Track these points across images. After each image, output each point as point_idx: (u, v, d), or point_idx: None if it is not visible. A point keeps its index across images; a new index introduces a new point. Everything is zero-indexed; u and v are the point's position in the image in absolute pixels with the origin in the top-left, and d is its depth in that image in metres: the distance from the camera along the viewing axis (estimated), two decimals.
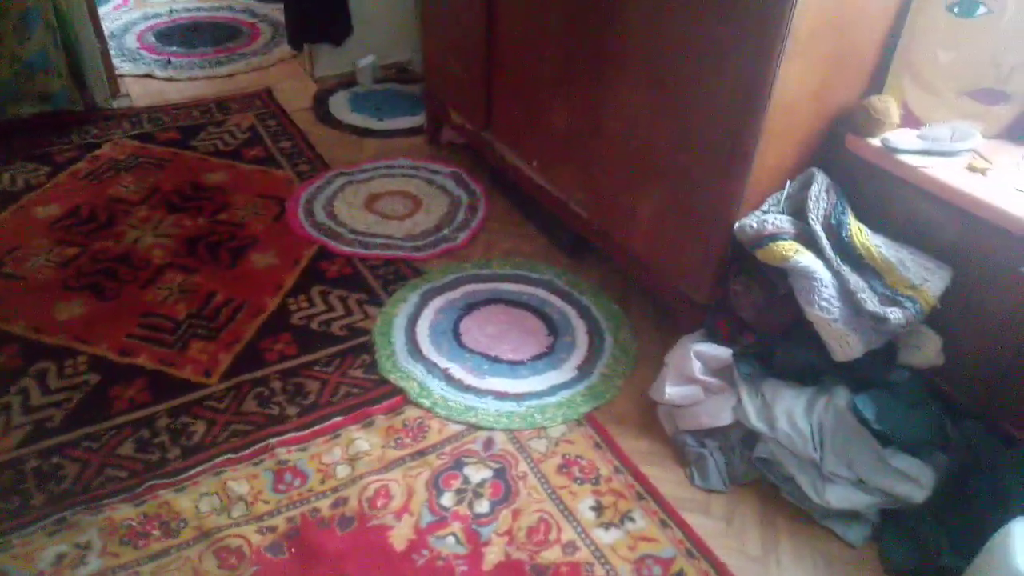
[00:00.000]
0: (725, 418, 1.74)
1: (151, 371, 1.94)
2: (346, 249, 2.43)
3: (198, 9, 4.18)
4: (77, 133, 2.98)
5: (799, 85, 1.59)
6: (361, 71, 3.49)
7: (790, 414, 1.67)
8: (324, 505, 1.63)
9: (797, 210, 1.72)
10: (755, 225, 1.69)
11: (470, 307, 2.21)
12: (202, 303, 2.17)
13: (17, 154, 2.82)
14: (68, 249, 2.35)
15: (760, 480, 1.74)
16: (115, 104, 3.18)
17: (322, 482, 1.68)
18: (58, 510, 1.59)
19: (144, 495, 1.63)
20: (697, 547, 1.59)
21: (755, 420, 1.70)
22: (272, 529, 1.58)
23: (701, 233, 1.83)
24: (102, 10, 3.67)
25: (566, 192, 2.30)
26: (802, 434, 1.64)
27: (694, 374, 1.77)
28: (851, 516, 1.64)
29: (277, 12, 3.97)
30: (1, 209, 2.52)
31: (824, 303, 1.60)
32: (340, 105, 3.35)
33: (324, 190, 2.73)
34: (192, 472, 1.68)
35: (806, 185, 1.71)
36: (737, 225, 1.73)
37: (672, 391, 1.79)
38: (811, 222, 1.67)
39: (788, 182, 1.74)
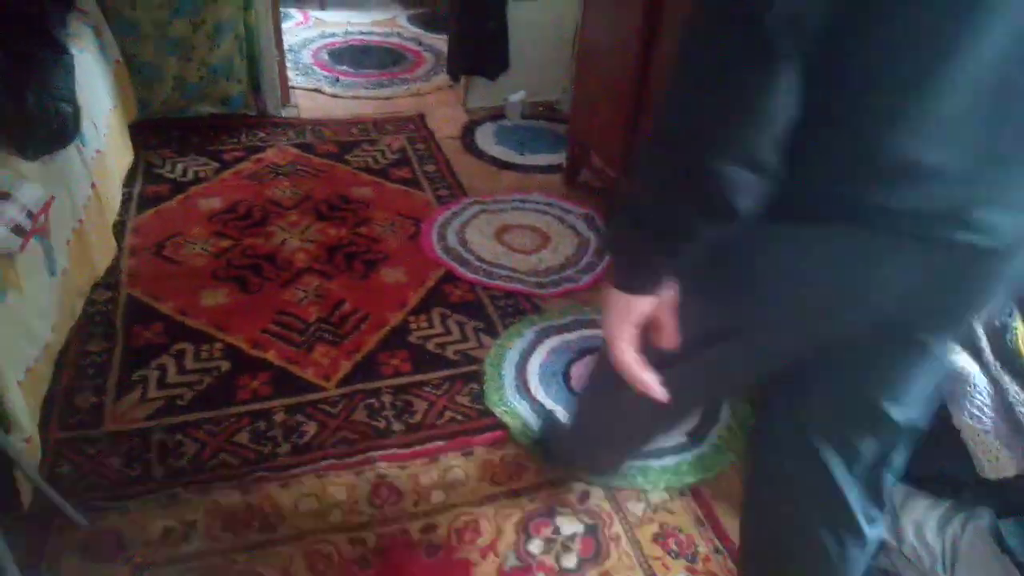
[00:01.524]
0: None
1: (277, 367, 2.04)
2: (471, 276, 2.47)
3: (371, 33, 4.46)
4: (247, 135, 3.23)
5: None
6: (510, 106, 3.58)
7: (920, 527, 1.51)
8: (414, 528, 1.64)
9: None
10: None
11: (584, 352, 2.18)
12: (332, 309, 2.27)
13: (192, 148, 3.09)
14: (222, 241, 2.54)
15: None
16: (284, 113, 3.43)
17: (415, 504, 1.69)
18: (173, 485, 1.69)
19: (251, 484, 1.70)
20: None
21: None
22: (362, 542, 1.60)
23: None
24: (284, 26, 3.98)
25: None
26: (931, 551, 1.48)
27: None
28: None
29: (441, 42, 4.17)
30: (170, 196, 2.76)
31: (976, 411, 1.45)
32: (486, 136, 3.44)
33: (459, 216, 2.80)
34: (297, 471, 1.74)
35: None
36: None
37: None
38: (974, 324, 1.52)
39: None
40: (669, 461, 1.84)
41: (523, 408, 1.95)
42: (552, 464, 1.78)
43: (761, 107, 0.75)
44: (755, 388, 1.30)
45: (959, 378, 1.46)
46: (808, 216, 0.85)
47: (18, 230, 1.59)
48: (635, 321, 0.95)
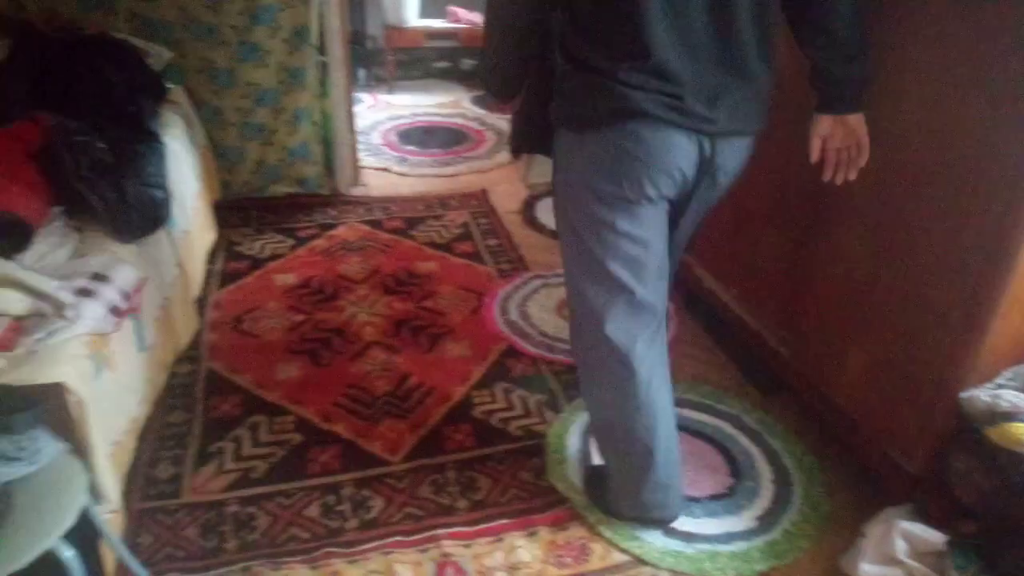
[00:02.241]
0: None
1: (346, 440, 2.09)
2: (533, 350, 2.50)
3: (435, 114, 4.67)
4: (320, 213, 3.39)
5: None
6: None
7: None
8: None
9: None
10: (988, 400, 1.51)
11: None
12: (398, 383, 2.33)
13: (269, 226, 3.26)
14: (296, 315, 2.64)
15: None
16: (354, 191, 3.60)
17: None
18: (245, 559, 1.73)
19: (320, 560, 1.73)
20: None
21: None
22: None
23: (920, 397, 1.67)
24: (354, 109, 4.22)
25: (766, 327, 2.21)
26: None
27: (897, 555, 1.58)
28: None
29: (502, 121, 4.33)
30: (248, 272, 2.90)
31: None
32: (546, 211, 3.52)
33: (520, 289, 2.85)
34: (365, 547, 1.76)
35: None
36: (966, 396, 1.56)
37: (869, 569, 1.60)
38: None
39: None
40: (738, 547, 1.79)
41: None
42: (602, 507, 1.88)
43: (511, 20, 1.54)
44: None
45: None
46: (639, 116, 1.39)
47: (115, 311, 1.70)
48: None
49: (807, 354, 2.04)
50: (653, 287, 1.63)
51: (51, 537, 1.17)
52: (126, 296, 1.77)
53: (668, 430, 1.71)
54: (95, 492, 1.51)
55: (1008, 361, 1.56)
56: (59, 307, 1.55)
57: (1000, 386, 1.54)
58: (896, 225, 1.69)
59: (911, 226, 1.65)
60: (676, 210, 1.61)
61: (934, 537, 1.56)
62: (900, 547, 1.58)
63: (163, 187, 2.17)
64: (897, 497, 1.72)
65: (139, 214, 1.99)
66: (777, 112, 2.07)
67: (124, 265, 1.85)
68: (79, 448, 1.44)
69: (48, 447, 1.31)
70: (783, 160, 2.05)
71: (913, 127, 1.61)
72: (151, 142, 2.31)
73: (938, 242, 1.58)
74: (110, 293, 1.72)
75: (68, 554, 1.22)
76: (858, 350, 1.84)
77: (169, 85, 2.92)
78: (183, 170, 2.66)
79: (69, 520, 1.21)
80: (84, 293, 1.67)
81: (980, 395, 1.52)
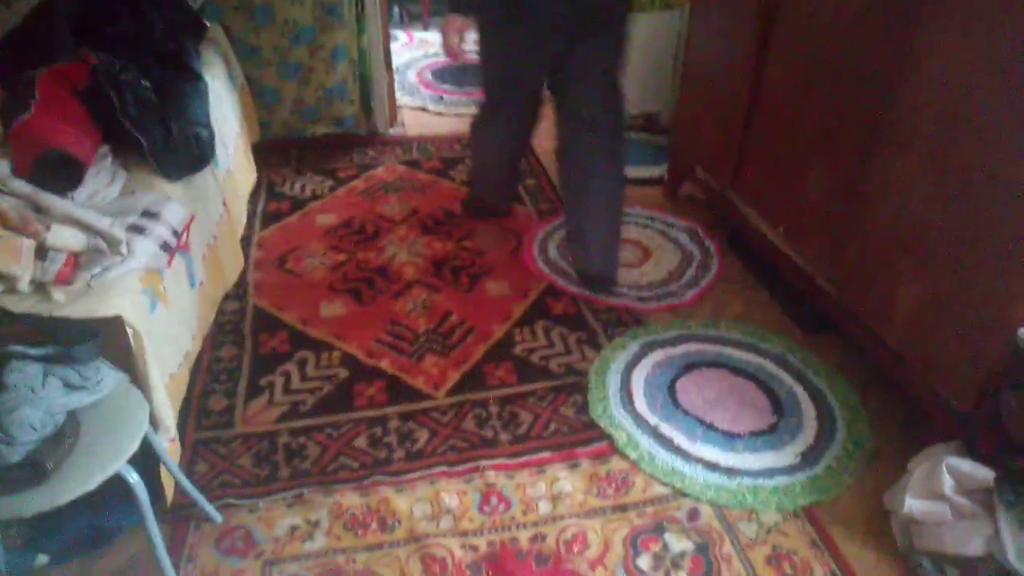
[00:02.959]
0: (975, 548, 1.52)
1: (390, 375, 2.13)
2: (573, 289, 2.50)
3: (471, 51, 4.56)
4: (358, 154, 3.39)
5: None
6: None
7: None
8: (523, 536, 1.68)
9: None
10: None
11: (690, 367, 2.16)
12: (439, 321, 2.35)
13: (309, 167, 3.27)
14: (338, 255, 2.67)
15: None
16: (392, 131, 3.58)
17: (524, 513, 1.73)
18: (297, 485, 1.80)
19: (369, 488, 1.78)
20: None
21: (1014, 558, 1.46)
22: (474, 548, 1.65)
23: (973, 333, 1.63)
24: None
25: (813, 264, 2.17)
26: None
27: (943, 490, 1.57)
28: None
29: None
30: (290, 213, 2.93)
31: None
32: None
33: (560, 229, 2.83)
34: (411, 476, 1.82)
35: None
36: (1022, 332, 1.51)
37: (914, 504, 1.60)
38: None
39: None
40: (780, 481, 1.80)
41: (628, 421, 1.96)
42: (474, 207, 2.86)
43: None
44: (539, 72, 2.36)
45: None
46: None
47: (165, 247, 1.74)
48: (453, 27, 2.20)
49: (855, 291, 2.00)
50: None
51: (118, 462, 1.23)
52: (175, 233, 1.80)
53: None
54: (153, 421, 1.57)
55: None
56: (114, 243, 1.58)
57: None
58: (957, 158, 1.62)
59: (972, 160, 1.58)
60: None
61: (982, 473, 1.55)
62: (947, 483, 1.57)
63: (207, 125, 2.19)
64: (945, 434, 1.70)
65: (185, 152, 2.01)
66: (822, 30, 1.99)
67: (172, 203, 1.88)
68: (137, 379, 1.50)
69: (110, 377, 1.36)
70: (833, 84, 1.98)
71: (980, 58, 1.53)
72: (193, 81, 2.32)
73: (998, 177, 1.52)
74: (160, 230, 1.75)
75: (134, 478, 1.28)
76: (910, 286, 1.79)
77: (207, 23, 2.91)
78: (224, 109, 2.67)
79: (133, 447, 1.26)
80: (136, 230, 1.70)
81: None
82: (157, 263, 1.67)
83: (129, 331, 1.47)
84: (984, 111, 1.54)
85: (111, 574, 1.60)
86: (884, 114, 1.81)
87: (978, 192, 1.58)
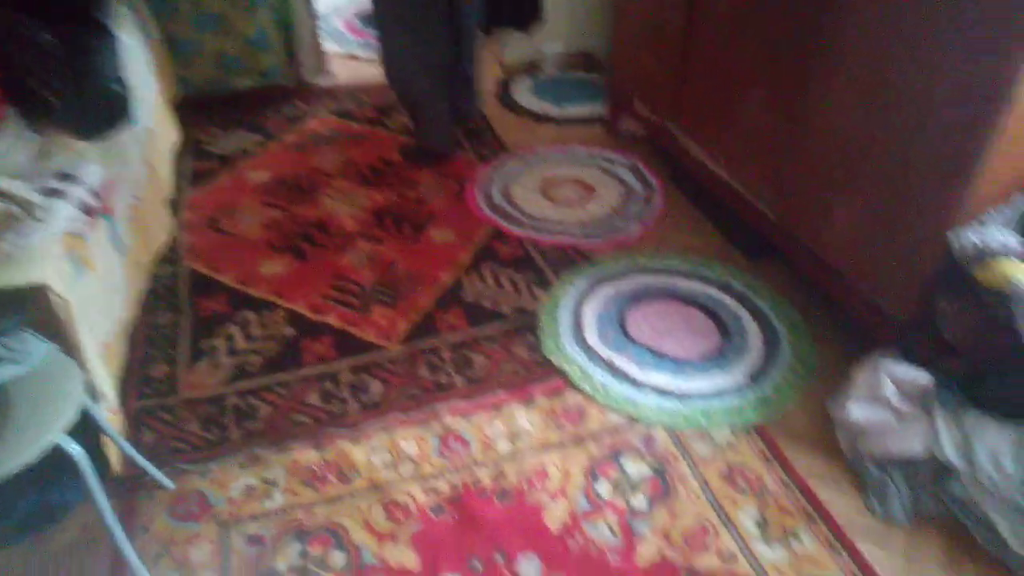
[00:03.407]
0: (916, 448, 1.60)
1: (338, 330, 2.09)
2: (519, 231, 2.48)
3: None
4: (288, 107, 3.26)
5: None
6: (546, 58, 3.53)
7: (995, 453, 1.49)
8: (485, 476, 1.68)
9: None
10: (975, 239, 1.52)
11: (638, 298, 2.18)
12: (385, 271, 2.31)
13: (236, 123, 3.13)
14: (274, 212, 2.58)
15: (950, 519, 1.58)
16: (321, 81, 3.44)
17: (483, 453, 1.74)
18: (250, 446, 1.76)
19: (324, 442, 1.76)
20: None
21: (951, 454, 1.54)
22: (436, 491, 1.65)
23: (908, 242, 1.68)
24: None
25: (753, 190, 2.20)
26: (1007, 475, 1.46)
27: (885, 396, 1.63)
28: None
29: None
30: (219, 171, 2.81)
31: None
32: (523, 91, 3.41)
33: (501, 172, 2.80)
34: (367, 426, 1.80)
35: None
36: (953, 236, 1.56)
37: (857, 412, 1.66)
38: None
39: (1020, 195, 1.55)
40: (731, 402, 1.85)
41: (580, 356, 1.97)
42: (424, 148, 2.88)
43: None
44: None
45: None
46: None
47: (86, 209, 1.64)
48: None
49: (794, 213, 2.03)
50: None
51: (54, 431, 1.17)
52: (95, 195, 1.71)
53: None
54: (92, 392, 1.50)
55: (994, 201, 1.56)
56: (29, 208, 1.49)
57: (988, 226, 1.54)
58: (885, 74, 1.64)
59: (899, 75, 1.60)
60: None
61: (920, 376, 1.61)
62: (888, 387, 1.63)
63: (121, 81, 2.06)
64: (884, 343, 1.76)
65: (99, 110, 1.89)
66: None
67: (90, 163, 1.77)
68: (69, 349, 1.43)
69: (38, 348, 1.29)
70: (769, 8, 1.97)
71: None
72: (102, 34, 2.17)
73: (928, 89, 1.54)
74: (79, 192, 1.65)
75: (75, 449, 1.23)
76: (846, 202, 1.83)
77: None
78: (138, 65, 2.52)
79: (69, 414, 1.21)
80: (52, 193, 1.60)
81: (968, 235, 1.53)
82: (78, 227, 1.58)
83: (55, 299, 1.39)
84: (908, 25, 1.56)
85: (65, 549, 1.55)
86: (816, 36, 1.81)
87: (906, 105, 1.60)
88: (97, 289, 1.62)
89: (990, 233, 1.51)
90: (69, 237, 1.53)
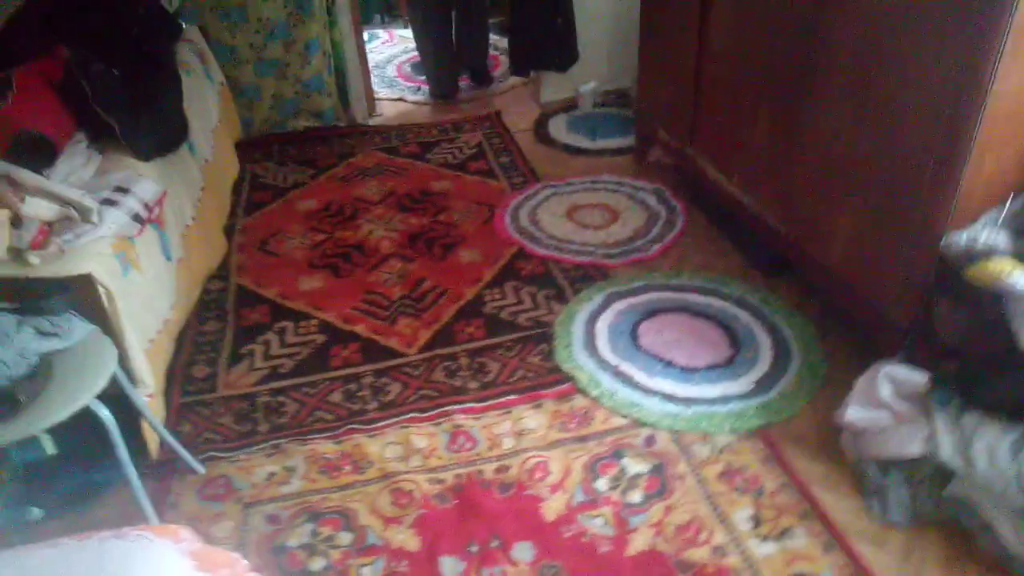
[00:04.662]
0: (914, 449, 1.59)
1: (365, 338, 2.23)
2: (541, 251, 2.58)
3: None
4: (338, 144, 3.50)
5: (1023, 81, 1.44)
6: (582, 96, 3.68)
7: (992, 452, 1.48)
8: (488, 469, 1.76)
9: (1020, 229, 1.54)
10: (965, 240, 1.54)
11: (652, 312, 2.24)
12: (413, 287, 2.45)
13: (290, 159, 3.38)
14: (317, 235, 2.78)
15: (950, 522, 1.56)
16: (371, 122, 3.69)
17: (489, 449, 1.81)
18: (276, 438, 1.89)
19: (343, 436, 1.88)
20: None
21: (949, 455, 1.53)
22: (441, 481, 1.73)
23: (904, 249, 1.70)
24: (371, 45, 4.30)
25: (765, 207, 2.25)
26: (1005, 476, 1.44)
27: (883, 398, 1.64)
28: None
29: None
30: (272, 200, 3.04)
31: None
32: (558, 126, 3.56)
33: (531, 199, 2.92)
34: (383, 424, 1.91)
35: None
36: (945, 240, 1.58)
37: (856, 413, 1.67)
38: None
39: (1013, 194, 1.57)
40: (735, 406, 1.87)
41: (590, 364, 2.04)
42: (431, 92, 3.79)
43: None
44: None
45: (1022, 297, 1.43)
46: None
47: (136, 218, 1.84)
48: None
49: (801, 227, 2.08)
50: None
51: (86, 395, 1.33)
52: (147, 206, 1.91)
53: None
54: (132, 376, 1.67)
55: (986, 204, 1.57)
56: (85, 212, 1.69)
57: (978, 228, 1.56)
58: (874, 86, 1.70)
59: (887, 77, 1.66)
60: None
61: (916, 377, 1.61)
62: (885, 389, 1.64)
63: (178, 111, 2.30)
64: (889, 350, 1.77)
65: (154, 133, 2.12)
66: None
67: (145, 179, 1.99)
68: (113, 336, 1.60)
69: (80, 328, 1.47)
70: (770, 32, 2.06)
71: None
72: (166, 74, 2.44)
73: (913, 90, 1.60)
74: (131, 203, 1.86)
75: (104, 413, 1.38)
76: (846, 213, 1.87)
77: (183, 24, 3.04)
78: (203, 104, 2.79)
79: (100, 383, 1.36)
80: (108, 203, 1.81)
81: (958, 237, 1.55)
82: (128, 230, 1.78)
83: (100, 289, 1.58)
84: (892, 38, 1.63)
85: (101, 524, 1.70)
86: (810, 55, 1.89)
87: (895, 115, 1.66)
88: (143, 288, 1.81)
89: (980, 233, 1.53)
90: (119, 239, 1.73)
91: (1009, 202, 1.57)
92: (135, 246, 1.80)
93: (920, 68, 1.57)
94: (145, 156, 2.07)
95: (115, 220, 1.76)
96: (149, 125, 2.09)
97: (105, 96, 2.03)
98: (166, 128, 2.17)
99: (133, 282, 1.75)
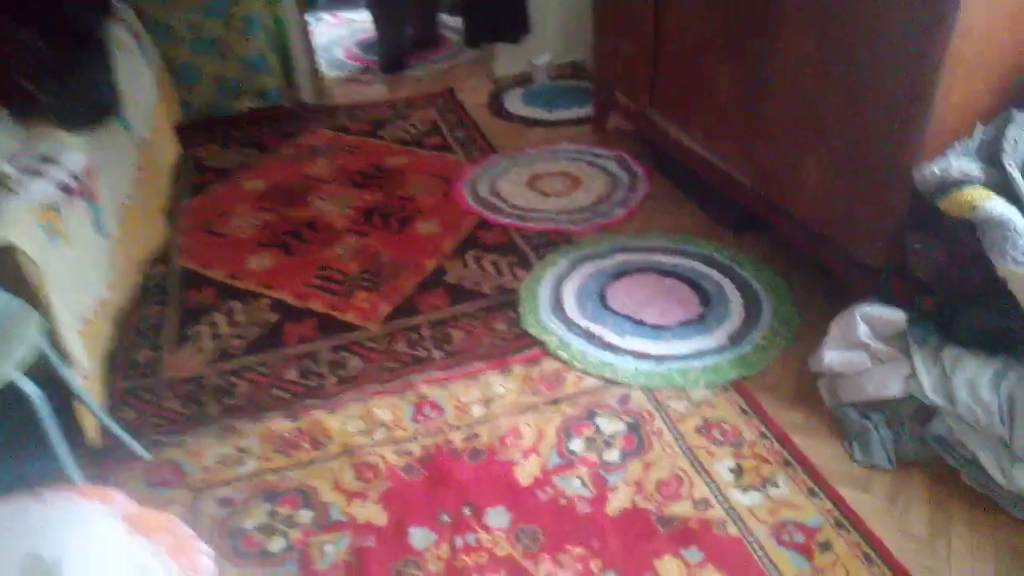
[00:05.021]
0: (894, 389, 1.55)
1: (321, 314, 2.11)
2: (503, 220, 2.50)
3: None
4: (284, 124, 3.35)
5: (990, 9, 1.40)
6: (536, 69, 3.60)
7: (973, 386, 1.44)
8: (457, 438, 1.67)
9: (990, 156, 1.51)
10: (938, 171, 1.50)
11: (620, 274, 2.17)
12: (370, 261, 2.34)
13: (235, 141, 3.23)
14: (266, 215, 2.64)
15: (933, 460, 1.52)
16: (318, 101, 3.55)
17: (457, 418, 1.72)
18: (227, 419, 1.76)
19: (300, 412, 1.76)
20: (849, 519, 1.42)
21: (931, 392, 1.49)
22: (408, 453, 1.64)
23: (876, 187, 1.66)
24: (318, 28, 4.16)
25: (729, 162, 2.20)
26: (987, 408, 1.41)
27: (860, 338, 1.59)
28: None
29: None
30: (217, 182, 2.89)
31: (1020, 256, 1.37)
32: (514, 100, 3.48)
33: (490, 171, 2.83)
34: (344, 398, 1.80)
35: (1002, 128, 1.50)
36: (917, 172, 1.54)
37: (833, 356, 1.63)
38: (1008, 167, 1.45)
39: (979, 125, 1.53)
40: (709, 361, 1.82)
41: (559, 327, 1.96)
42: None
43: None
44: None
45: (999, 225, 1.39)
46: None
47: (64, 188, 1.70)
48: None
49: (768, 177, 2.03)
50: None
51: (7, 366, 1.20)
52: (75, 177, 1.77)
53: None
54: (64, 355, 1.53)
55: (957, 134, 1.54)
56: (4, 180, 1.55)
57: (950, 158, 1.52)
58: (837, 23, 1.65)
59: (850, 21, 1.62)
60: None
61: (894, 316, 1.57)
62: (862, 330, 1.59)
63: (109, 83, 2.15)
64: (863, 294, 1.73)
65: (83, 104, 1.97)
66: None
67: (72, 150, 1.84)
68: (41, 310, 1.46)
69: None
70: None
71: None
72: (95, 46, 2.28)
73: (878, 19, 1.55)
74: (58, 173, 1.72)
75: (30, 388, 1.25)
76: (814, 159, 1.82)
77: (118, 3, 2.86)
78: (138, 83, 2.63)
79: (21, 352, 1.23)
80: (32, 172, 1.67)
81: (930, 168, 1.51)
82: (53, 201, 1.64)
83: (23, 260, 1.44)
84: None
85: None
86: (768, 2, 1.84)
87: (856, 48, 1.61)
88: (73, 261, 1.67)
89: (952, 163, 1.49)
90: (43, 209, 1.59)
91: (978, 132, 1.53)
92: (61, 216, 1.66)
93: (884, 4, 1.52)
94: (71, 126, 1.92)
95: (40, 189, 1.61)
96: (75, 95, 1.94)
97: (29, 67, 1.88)
98: (94, 99, 2.02)
99: (61, 255, 1.60)
